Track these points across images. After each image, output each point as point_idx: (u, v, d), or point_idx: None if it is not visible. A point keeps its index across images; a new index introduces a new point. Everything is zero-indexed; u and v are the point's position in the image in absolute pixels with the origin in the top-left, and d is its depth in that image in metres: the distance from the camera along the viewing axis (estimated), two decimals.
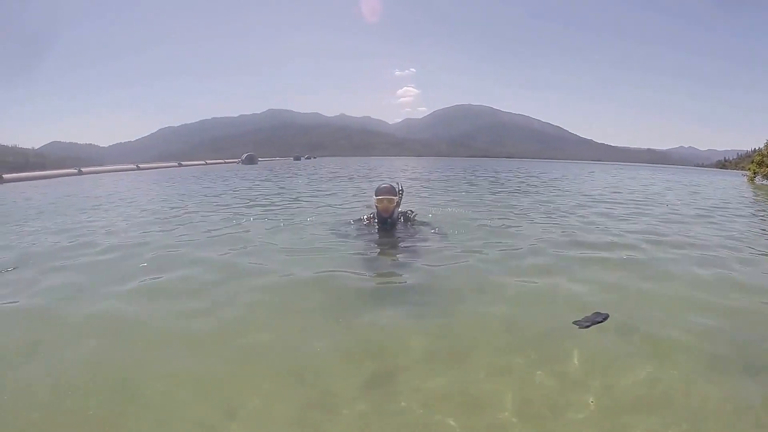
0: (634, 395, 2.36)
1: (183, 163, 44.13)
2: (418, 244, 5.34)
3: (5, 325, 3.39)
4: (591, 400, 2.29)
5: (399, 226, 5.67)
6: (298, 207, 9.80)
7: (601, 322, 3.12)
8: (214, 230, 6.75)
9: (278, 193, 13.27)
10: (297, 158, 72.13)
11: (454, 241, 5.60)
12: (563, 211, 9.23)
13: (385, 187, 5.53)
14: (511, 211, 8.99)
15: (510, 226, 7.08)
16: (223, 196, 12.86)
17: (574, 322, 3.10)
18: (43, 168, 33.64)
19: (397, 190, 5.60)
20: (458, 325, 3.23)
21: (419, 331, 3.08)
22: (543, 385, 2.43)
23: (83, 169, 31.04)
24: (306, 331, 3.12)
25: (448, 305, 3.58)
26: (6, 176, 23.33)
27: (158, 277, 4.34)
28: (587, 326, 3.05)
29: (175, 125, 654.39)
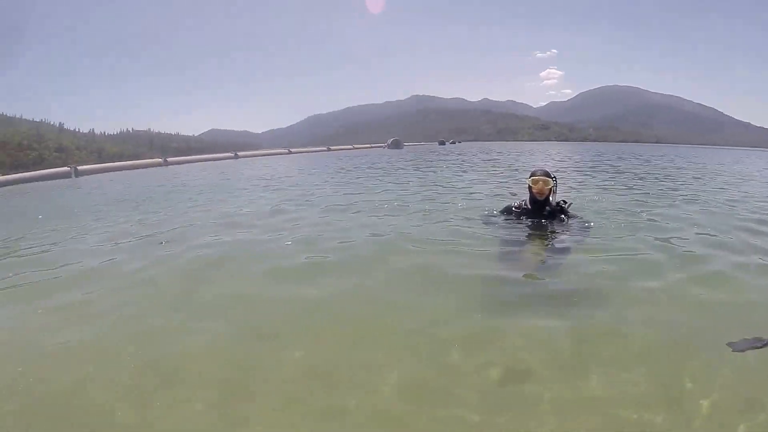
0: None
1: (331, 147, 44.80)
2: (569, 238, 4.94)
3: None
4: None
5: (552, 220, 5.20)
6: (444, 193, 9.30)
7: (761, 348, 2.59)
8: (357, 215, 6.80)
9: (424, 179, 12.82)
10: (441, 143, 70.83)
11: (608, 238, 5.07)
12: (730, 207, 7.87)
13: (540, 169, 5.31)
14: (672, 206, 7.84)
15: (673, 224, 6.11)
16: (366, 179, 12.86)
17: (729, 344, 2.62)
18: (202, 152, 35.65)
19: (552, 175, 5.24)
20: (595, 333, 2.90)
21: (551, 335, 2.82)
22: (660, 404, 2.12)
23: (239, 153, 32.28)
24: (441, 324, 3.02)
25: (593, 310, 3.22)
26: (169, 159, 24.77)
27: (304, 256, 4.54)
28: (742, 350, 2.58)
29: (323, 113, 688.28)
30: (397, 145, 49.66)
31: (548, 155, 30.90)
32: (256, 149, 45.26)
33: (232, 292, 3.69)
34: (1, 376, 2.49)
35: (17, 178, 16.52)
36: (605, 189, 10.34)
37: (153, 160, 24.81)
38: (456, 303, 3.32)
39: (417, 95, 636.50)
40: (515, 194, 7.94)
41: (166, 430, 2.05)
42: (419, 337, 2.81)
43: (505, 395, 2.22)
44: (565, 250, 4.59)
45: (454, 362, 2.50)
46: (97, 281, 4.04)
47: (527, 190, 5.29)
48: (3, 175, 17.37)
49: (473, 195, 9.00)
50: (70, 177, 18.37)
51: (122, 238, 5.74)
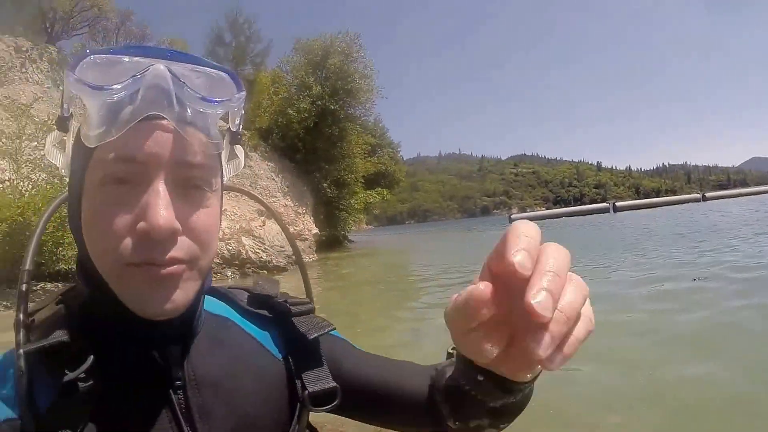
0: None
1: None
2: None
3: None
4: None
5: None
6: None
7: None
8: None
9: None
10: None
11: None
12: None
13: None
14: None
15: None
16: None
17: None
18: (744, 185, 32.52)
19: None
20: None
21: None
22: None
23: None
24: None
25: None
26: (707, 195, 23.81)
27: None
28: None
29: None
30: None
31: None
32: None
33: None
34: None
35: (559, 212, 19.49)
36: None
37: (690, 195, 24.56)
38: None
39: None
40: None
41: None
42: None
43: None
44: None
45: None
46: None
47: None
48: (547, 209, 20.92)
49: None
50: (608, 212, 19.91)
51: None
